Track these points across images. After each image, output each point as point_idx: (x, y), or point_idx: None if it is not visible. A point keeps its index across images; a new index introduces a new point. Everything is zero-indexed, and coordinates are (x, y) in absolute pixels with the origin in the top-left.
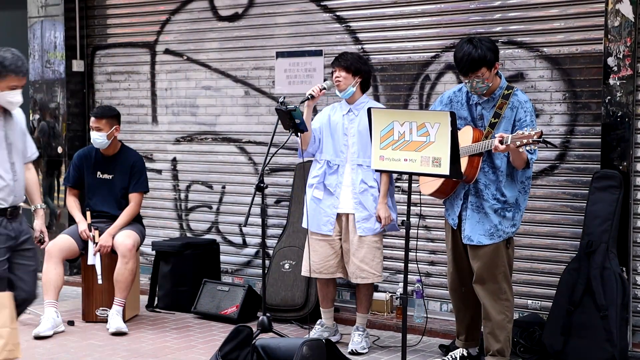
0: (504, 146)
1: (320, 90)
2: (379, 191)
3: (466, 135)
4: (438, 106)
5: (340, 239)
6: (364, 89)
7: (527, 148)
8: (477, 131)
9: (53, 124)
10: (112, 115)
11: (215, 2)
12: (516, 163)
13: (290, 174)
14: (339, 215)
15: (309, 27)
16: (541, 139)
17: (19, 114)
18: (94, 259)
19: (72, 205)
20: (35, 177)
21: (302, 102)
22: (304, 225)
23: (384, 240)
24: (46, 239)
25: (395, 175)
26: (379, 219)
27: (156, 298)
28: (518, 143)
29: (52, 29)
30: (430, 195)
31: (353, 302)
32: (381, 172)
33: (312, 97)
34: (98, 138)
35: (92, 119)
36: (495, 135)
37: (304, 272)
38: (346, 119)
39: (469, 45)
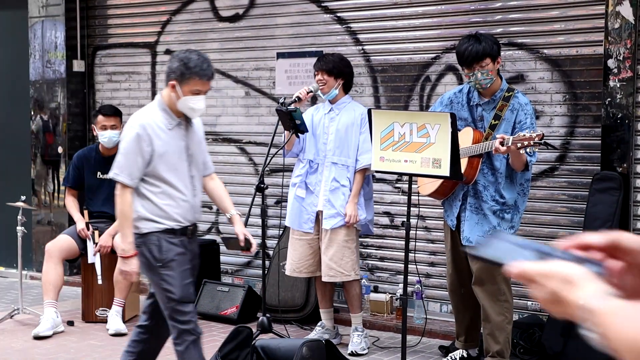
0: (504, 148)
1: (307, 92)
2: (351, 191)
3: (466, 137)
4: (438, 107)
5: (318, 238)
6: (346, 89)
7: (528, 150)
8: (477, 132)
9: (53, 123)
10: (120, 113)
11: (216, 3)
12: (515, 165)
13: (290, 174)
14: (317, 214)
15: (310, 28)
16: (542, 141)
17: (198, 123)
18: (94, 258)
19: (71, 205)
20: (222, 184)
21: (290, 104)
22: (286, 223)
23: (384, 241)
24: (252, 241)
25: (395, 176)
26: (344, 216)
27: None
28: (519, 145)
29: (52, 28)
30: (429, 195)
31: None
32: (380, 172)
33: (299, 99)
34: (114, 136)
35: (103, 117)
36: (497, 137)
37: (287, 271)
38: (327, 118)
39: (472, 39)
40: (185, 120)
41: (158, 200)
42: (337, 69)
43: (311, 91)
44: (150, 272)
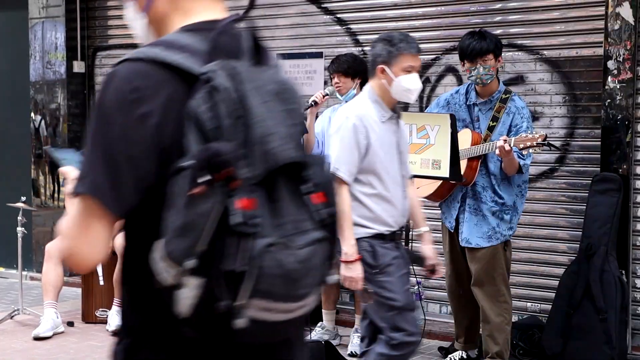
0: (508, 147)
1: (323, 96)
2: None
3: (465, 138)
4: (434, 109)
5: None
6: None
7: (524, 152)
8: (476, 134)
9: (53, 124)
10: None
11: None
12: (508, 169)
13: None
14: None
15: (310, 29)
16: (545, 142)
17: (402, 122)
18: None
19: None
20: (416, 194)
21: (306, 109)
22: None
23: None
24: (438, 268)
25: None
26: None
27: None
28: (521, 145)
29: (53, 29)
30: (426, 198)
31: (352, 304)
32: None
33: (316, 103)
34: None
35: None
36: (500, 137)
37: None
38: None
39: (477, 35)
40: (393, 112)
41: (369, 201)
42: (352, 69)
43: (327, 94)
44: (366, 282)
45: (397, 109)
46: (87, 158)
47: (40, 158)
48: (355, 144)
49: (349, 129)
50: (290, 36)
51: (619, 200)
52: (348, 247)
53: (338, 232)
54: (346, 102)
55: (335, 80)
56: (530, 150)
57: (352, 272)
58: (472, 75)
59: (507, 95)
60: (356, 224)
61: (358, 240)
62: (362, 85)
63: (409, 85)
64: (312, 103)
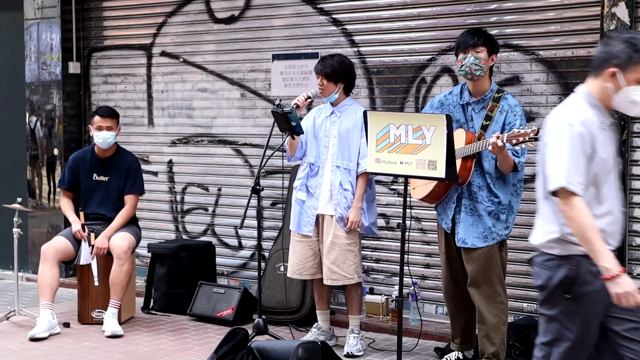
0: (502, 143)
1: (306, 99)
2: (353, 194)
3: (459, 138)
4: (428, 110)
5: (318, 240)
6: (347, 91)
7: (524, 146)
8: (470, 134)
9: (49, 125)
10: (117, 115)
11: (212, 5)
12: (503, 167)
13: (286, 176)
14: (317, 217)
15: (305, 29)
16: (538, 136)
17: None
18: (86, 259)
19: (66, 206)
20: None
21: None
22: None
23: (380, 242)
24: None
25: (390, 178)
26: (346, 221)
27: (152, 300)
28: (514, 141)
29: (48, 30)
30: (422, 199)
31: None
32: (375, 174)
33: (298, 106)
34: (109, 137)
35: (100, 118)
36: (493, 135)
37: (288, 273)
38: (328, 120)
39: (474, 29)
40: (615, 120)
41: None
42: (336, 74)
43: (310, 97)
44: (550, 300)
45: (614, 114)
46: None
47: (35, 159)
48: (583, 153)
49: (576, 137)
50: (286, 37)
51: None
52: (606, 261)
53: (589, 250)
54: (331, 103)
55: (319, 82)
56: (523, 146)
57: (621, 287)
58: (464, 64)
59: (500, 94)
60: (567, 241)
61: (568, 257)
62: (345, 89)
63: (637, 97)
64: (295, 106)
